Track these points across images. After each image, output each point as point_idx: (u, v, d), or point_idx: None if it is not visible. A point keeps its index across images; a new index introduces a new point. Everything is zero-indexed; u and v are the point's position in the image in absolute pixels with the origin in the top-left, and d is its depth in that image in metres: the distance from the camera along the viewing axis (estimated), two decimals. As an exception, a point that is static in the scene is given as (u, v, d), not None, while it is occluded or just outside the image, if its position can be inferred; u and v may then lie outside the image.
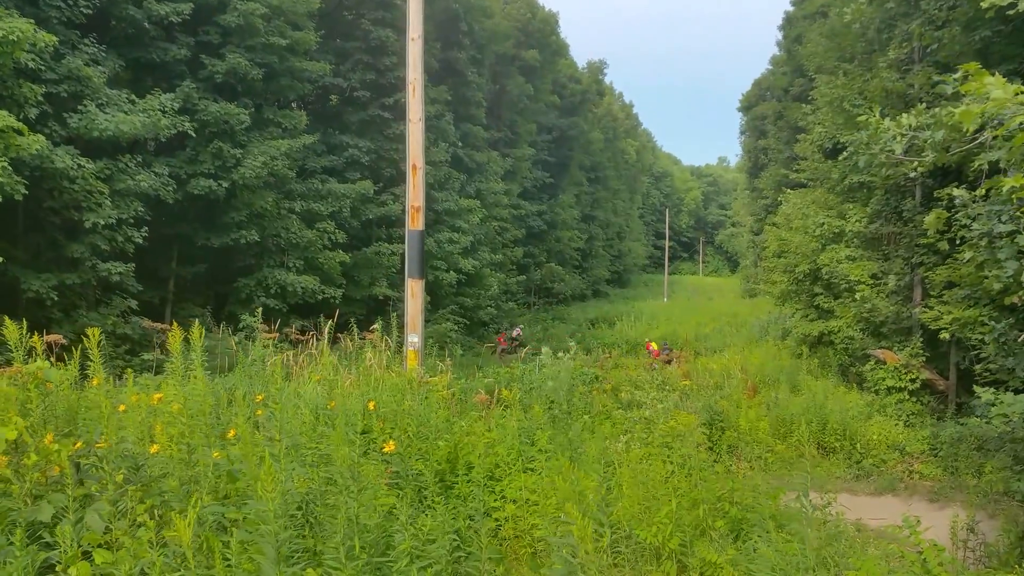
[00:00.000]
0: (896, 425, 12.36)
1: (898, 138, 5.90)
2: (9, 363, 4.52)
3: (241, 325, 15.12)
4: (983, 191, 7.12)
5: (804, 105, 20.36)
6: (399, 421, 6.37)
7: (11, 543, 2.22)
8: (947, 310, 10.91)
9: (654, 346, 28.77)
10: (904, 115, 5.86)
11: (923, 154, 5.89)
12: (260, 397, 5.25)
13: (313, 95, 25.27)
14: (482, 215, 32.39)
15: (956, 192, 7.41)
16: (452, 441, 6.00)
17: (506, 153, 38.23)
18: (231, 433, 4.17)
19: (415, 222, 11.86)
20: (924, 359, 13.71)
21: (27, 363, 4.84)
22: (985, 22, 10.26)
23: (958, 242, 10.19)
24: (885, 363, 13.89)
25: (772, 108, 42.76)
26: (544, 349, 11.12)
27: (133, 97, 14.94)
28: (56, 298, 13.71)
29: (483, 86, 32.70)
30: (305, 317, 20.98)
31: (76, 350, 4.97)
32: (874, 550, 5.77)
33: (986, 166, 6.18)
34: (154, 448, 3.70)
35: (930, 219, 9.37)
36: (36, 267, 13.92)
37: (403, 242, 29.58)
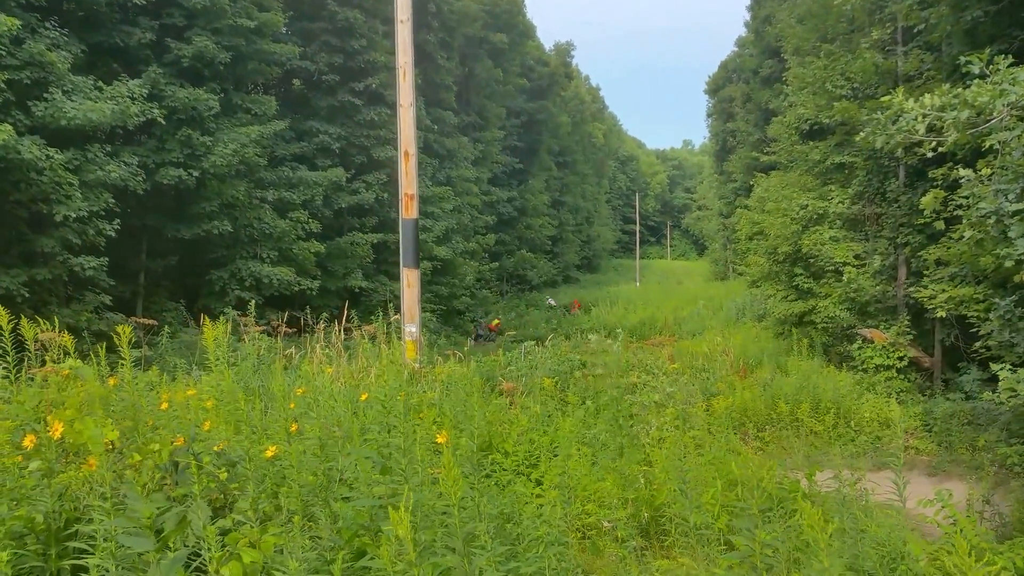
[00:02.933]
0: (887, 402, 12.73)
1: (919, 118, 6.04)
2: (43, 362, 4.39)
3: (224, 319, 14.86)
4: (988, 171, 7.35)
5: (783, 86, 20.58)
6: (428, 411, 6.35)
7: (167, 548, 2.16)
8: (940, 288, 11.24)
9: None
10: (927, 95, 6.00)
11: (945, 133, 6.04)
12: (300, 391, 5.18)
13: (278, 80, 24.75)
14: (455, 202, 32.24)
15: (963, 172, 7.61)
16: (486, 429, 6.02)
17: (476, 138, 38.04)
18: (293, 427, 4.11)
19: (408, 210, 11.77)
20: (911, 337, 14.13)
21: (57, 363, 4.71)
22: (975, 2, 10.51)
23: (949, 222, 10.51)
24: (872, 342, 14.28)
25: (740, 91, 43.28)
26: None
27: (100, 84, 14.45)
28: (27, 295, 13.27)
29: (452, 70, 32.44)
30: (280, 309, 20.67)
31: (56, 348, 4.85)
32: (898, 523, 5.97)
33: (998, 145, 6.37)
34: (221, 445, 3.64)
35: (927, 199, 9.64)
36: (4, 263, 13.44)
37: (377, 231, 29.31)
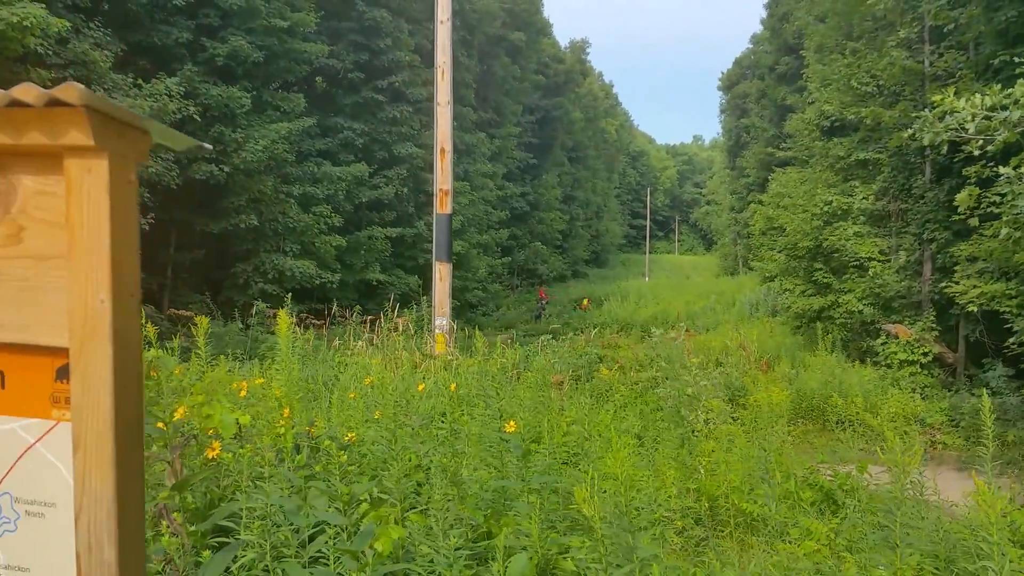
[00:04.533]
0: (912, 398, 12.76)
1: (970, 117, 6.09)
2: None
3: (254, 311, 15.05)
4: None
5: (805, 82, 20.49)
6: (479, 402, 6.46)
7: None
8: (971, 284, 11.27)
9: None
10: (977, 95, 6.05)
11: (994, 132, 6.08)
12: (368, 380, 5.29)
13: (305, 77, 24.90)
14: (470, 197, 32.34)
15: (1003, 170, 7.65)
16: (537, 420, 6.12)
17: (492, 134, 38.11)
18: (376, 415, 4.23)
19: (443, 205, 11.91)
20: (935, 333, 14.14)
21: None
22: (1008, 2, 10.50)
23: (982, 219, 10.52)
24: (897, 337, 14.30)
25: (756, 87, 43.12)
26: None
27: (140, 82, 14.61)
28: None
29: (472, 68, 32.49)
30: (301, 302, 20.84)
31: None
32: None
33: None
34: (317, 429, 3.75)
35: (962, 196, 9.66)
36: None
37: (395, 226, 29.35)
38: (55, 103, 1.04)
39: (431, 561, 2.18)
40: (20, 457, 1.15)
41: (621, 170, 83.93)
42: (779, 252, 22.94)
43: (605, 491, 4.43)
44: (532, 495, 2.78)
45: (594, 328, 30.29)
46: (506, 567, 2.09)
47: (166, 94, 14.75)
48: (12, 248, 1.11)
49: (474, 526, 2.67)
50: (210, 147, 1.40)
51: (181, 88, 15.72)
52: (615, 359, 17.49)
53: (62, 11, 13.15)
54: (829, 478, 5.85)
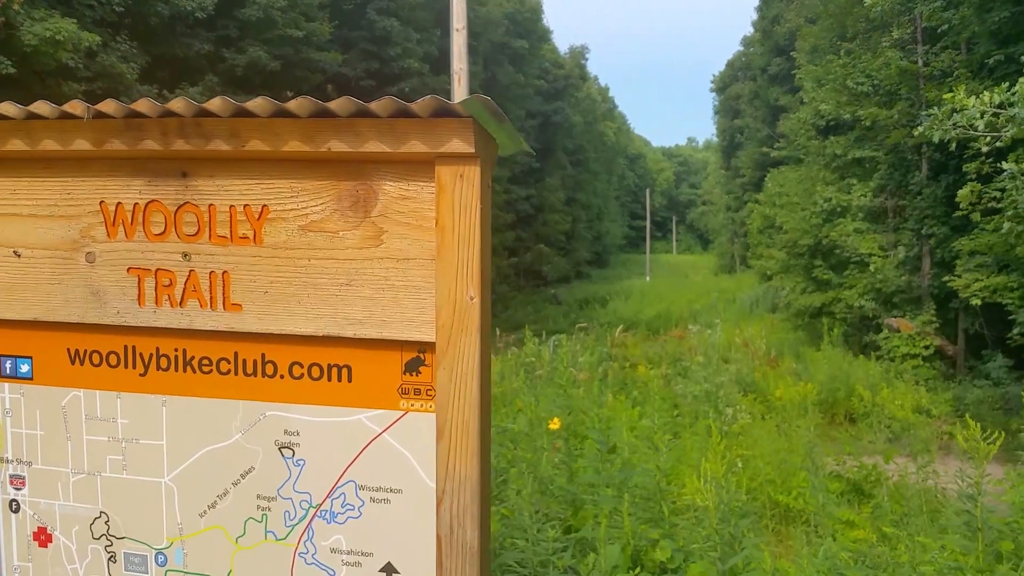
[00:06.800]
0: (916, 390, 12.75)
1: (980, 115, 6.12)
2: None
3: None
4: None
5: (801, 82, 20.46)
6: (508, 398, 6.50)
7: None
8: (973, 278, 11.29)
9: None
10: (986, 92, 6.08)
11: (1002, 129, 6.11)
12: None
13: (318, 85, 24.96)
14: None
15: (1006, 165, 7.67)
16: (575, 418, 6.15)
17: (498, 139, 38.07)
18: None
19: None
20: (936, 326, 14.15)
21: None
22: (1000, 3, 10.51)
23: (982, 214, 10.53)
24: (899, 331, 14.30)
25: (748, 88, 43.11)
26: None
27: (164, 92, 14.66)
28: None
29: (479, 74, 32.50)
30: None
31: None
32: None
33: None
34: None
35: (963, 192, 9.69)
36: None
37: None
38: (441, 113, 1.07)
39: (522, 552, 2.21)
40: (366, 447, 1.19)
41: (620, 172, 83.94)
42: (779, 250, 22.95)
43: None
44: (610, 489, 2.82)
45: (605, 327, 30.29)
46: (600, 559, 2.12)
47: (189, 105, 14.79)
48: (372, 249, 1.16)
49: (561, 519, 2.71)
50: (532, 151, 1.44)
51: (203, 98, 15.79)
52: (626, 358, 17.50)
53: (91, 25, 13.21)
54: (855, 468, 5.87)
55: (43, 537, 1.37)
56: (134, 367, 1.31)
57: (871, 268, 14.81)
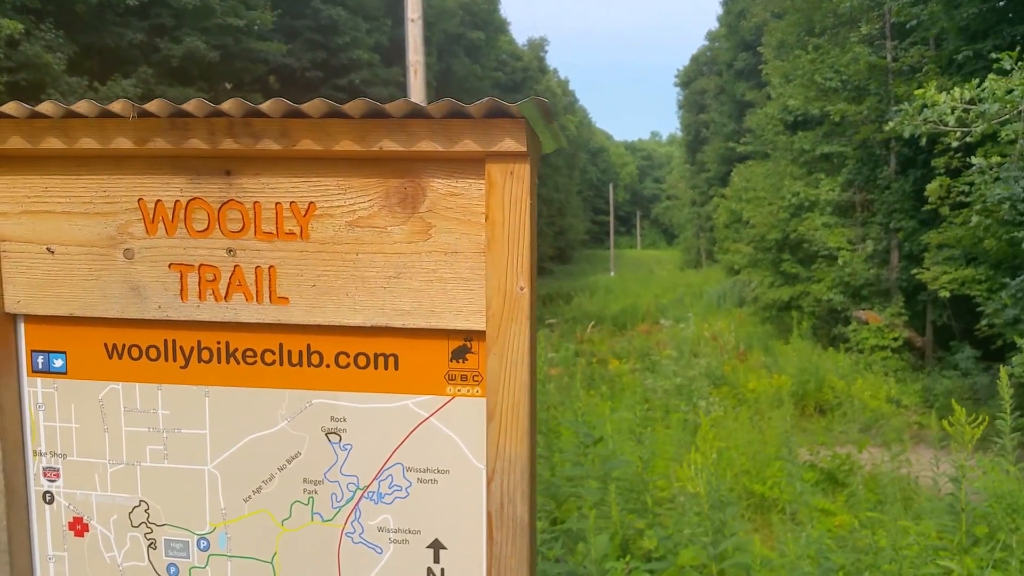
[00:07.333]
0: (886, 381, 13.31)
1: (950, 111, 6.48)
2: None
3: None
4: (997, 159, 7.87)
5: (769, 77, 21.07)
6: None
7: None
8: (941, 270, 11.84)
9: None
10: (957, 88, 6.45)
11: (972, 124, 6.48)
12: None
13: (261, 76, 24.62)
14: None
15: (976, 160, 8.11)
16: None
17: (453, 133, 38.06)
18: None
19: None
20: (904, 319, 14.78)
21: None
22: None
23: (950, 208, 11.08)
24: (868, 323, 14.89)
25: (714, 83, 43.99)
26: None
27: (95, 84, 14.34)
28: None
29: (432, 65, 32.46)
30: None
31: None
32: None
33: (1014, 136, 6.86)
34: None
35: (932, 187, 10.18)
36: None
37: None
38: (495, 114, 1.19)
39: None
40: (413, 431, 1.32)
41: (582, 167, 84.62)
42: (746, 244, 23.55)
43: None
44: (594, 481, 2.97)
45: (571, 323, 30.60)
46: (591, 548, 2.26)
47: (123, 96, 14.49)
48: (421, 244, 1.27)
49: (546, 511, 2.84)
50: (567, 146, 1.57)
51: (137, 90, 15.49)
52: (594, 353, 17.77)
53: (11, 12, 12.85)
54: (829, 458, 6.17)
55: (79, 527, 1.45)
56: (175, 360, 1.40)
57: (840, 262, 15.37)
